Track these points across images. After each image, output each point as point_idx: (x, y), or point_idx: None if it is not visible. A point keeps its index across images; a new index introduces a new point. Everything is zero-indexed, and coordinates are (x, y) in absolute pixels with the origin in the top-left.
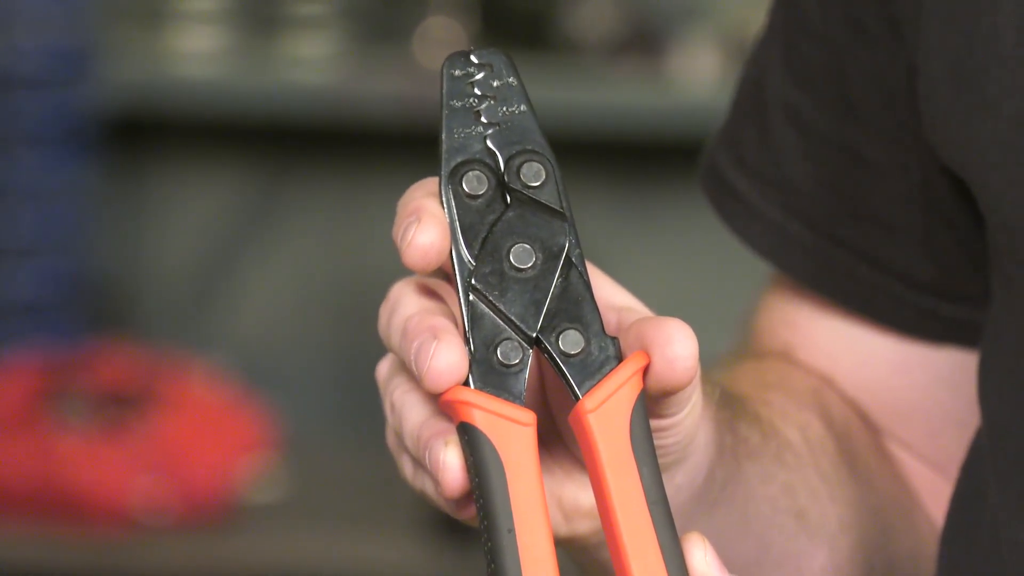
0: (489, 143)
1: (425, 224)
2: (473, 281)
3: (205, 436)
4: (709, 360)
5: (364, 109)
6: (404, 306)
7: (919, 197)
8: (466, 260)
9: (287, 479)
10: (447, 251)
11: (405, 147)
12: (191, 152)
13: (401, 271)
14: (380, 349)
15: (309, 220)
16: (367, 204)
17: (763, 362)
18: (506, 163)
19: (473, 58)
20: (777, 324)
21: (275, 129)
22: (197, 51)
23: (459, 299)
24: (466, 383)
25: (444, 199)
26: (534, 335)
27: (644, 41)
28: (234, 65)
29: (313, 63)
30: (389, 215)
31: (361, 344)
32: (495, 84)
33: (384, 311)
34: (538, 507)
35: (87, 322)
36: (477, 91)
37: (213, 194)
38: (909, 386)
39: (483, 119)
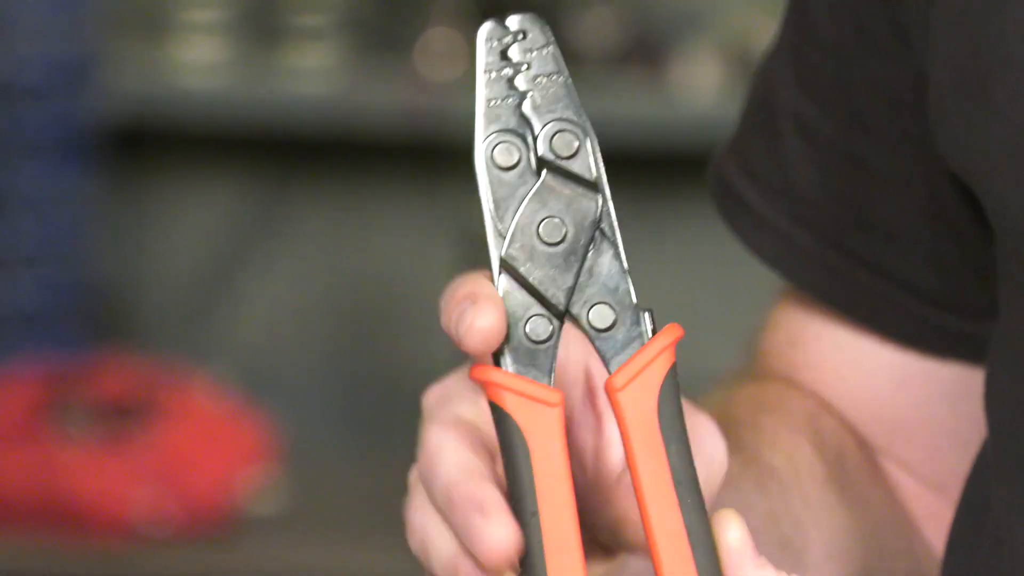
0: (524, 112)
1: (483, 307)
2: (503, 255)
3: (206, 447)
4: (714, 375)
5: (365, 120)
6: (445, 466)
7: (926, 207)
8: (499, 233)
9: (288, 490)
10: (505, 332)
11: (407, 158)
12: (192, 163)
13: (402, 288)
14: (381, 359)
15: (311, 230)
16: (368, 215)
17: (764, 385)
18: (540, 132)
19: (508, 25)
20: (782, 343)
21: (276, 140)
22: (198, 62)
23: (493, 274)
24: (496, 362)
25: (478, 171)
26: (563, 309)
27: (645, 51)
28: (235, 76)
29: (314, 74)
30: (391, 225)
31: (363, 355)
32: (531, 52)
33: (423, 461)
34: (563, 490)
35: (88, 332)
36: (512, 59)
37: (214, 204)
38: (912, 402)
39: (518, 88)
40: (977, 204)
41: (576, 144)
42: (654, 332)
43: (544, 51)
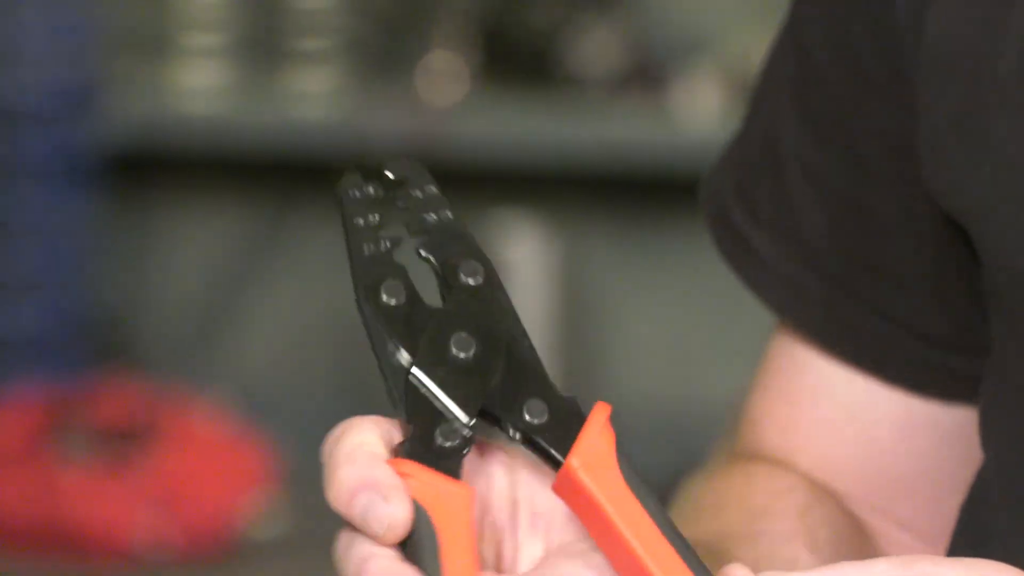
0: (422, 251)
1: (395, 502)
2: (414, 370)
3: (208, 471)
4: (716, 400)
5: (367, 143)
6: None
7: (931, 249)
8: (401, 362)
9: (289, 514)
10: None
11: None
12: (194, 187)
13: None
14: (382, 384)
15: (312, 254)
16: None
17: (752, 479)
18: (443, 264)
19: (388, 172)
20: (776, 403)
21: (278, 164)
22: (200, 86)
23: (396, 395)
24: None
25: (364, 314)
26: (471, 421)
27: (646, 75)
28: (237, 100)
29: (316, 98)
30: None
31: (363, 379)
32: (417, 195)
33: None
34: (470, 569)
35: (90, 357)
36: (399, 204)
37: (216, 229)
38: (915, 453)
39: (405, 229)
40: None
41: (483, 273)
42: (583, 414)
43: (429, 192)
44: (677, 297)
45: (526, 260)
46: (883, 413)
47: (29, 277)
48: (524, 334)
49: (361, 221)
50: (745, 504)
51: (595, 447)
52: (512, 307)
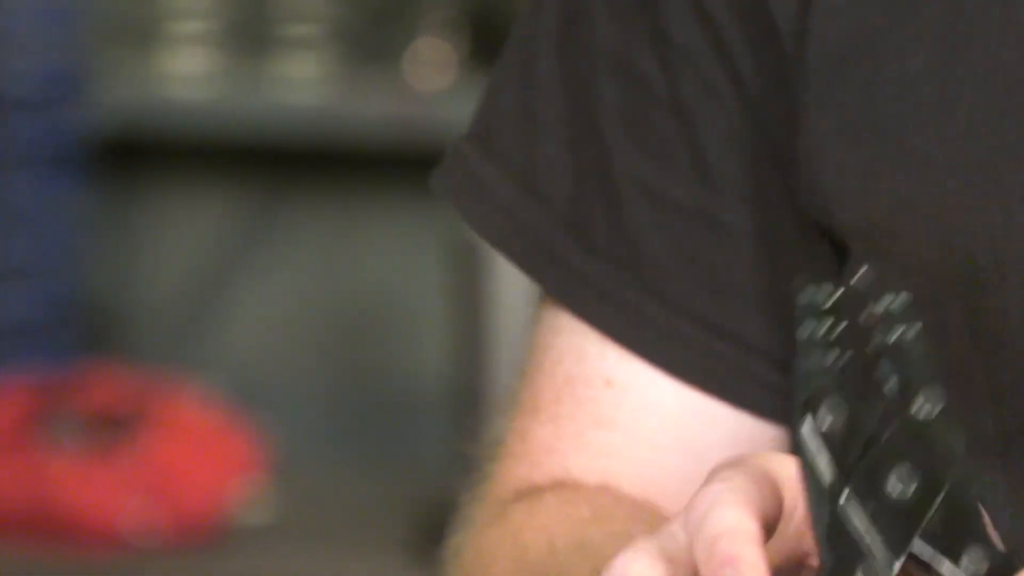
0: (879, 369)
1: None
2: (843, 499)
3: (196, 458)
4: None
5: (355, 130)
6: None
7: (782, 264)
8: (829, 487)
9: (278, 501)
10: None
11: (396, 168)
12: (183, 173)
13: (392, 299)
14: (371, 371)
15: (301, 241)
16: (358, 225)
17: (573, 508)
18: (898, 390)
19: (853, 282)
20: (586, 429)
21: (266, 150)
22: (188, 73)
23: (819, 523)
24: None
25: (797, 430)
26: (897, 564)
27: None
28: (225, 86)
29: (304, 84)
30: (381, 236)
31: (353, 366)
32: (879, 310)
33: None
34: None
35: (79, 344)
36: (862, 316)
37: (205, 215)
38: None
39: (864, 344)
40: (837, 254)
41: (938, 402)
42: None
43: (891, 304)
44: None
45: None
46: (718, 436)
47: (17, 263)
48: (971, 478)
49: (814, 331)
50: (581, 554)
51: None
52: (963, 447)
